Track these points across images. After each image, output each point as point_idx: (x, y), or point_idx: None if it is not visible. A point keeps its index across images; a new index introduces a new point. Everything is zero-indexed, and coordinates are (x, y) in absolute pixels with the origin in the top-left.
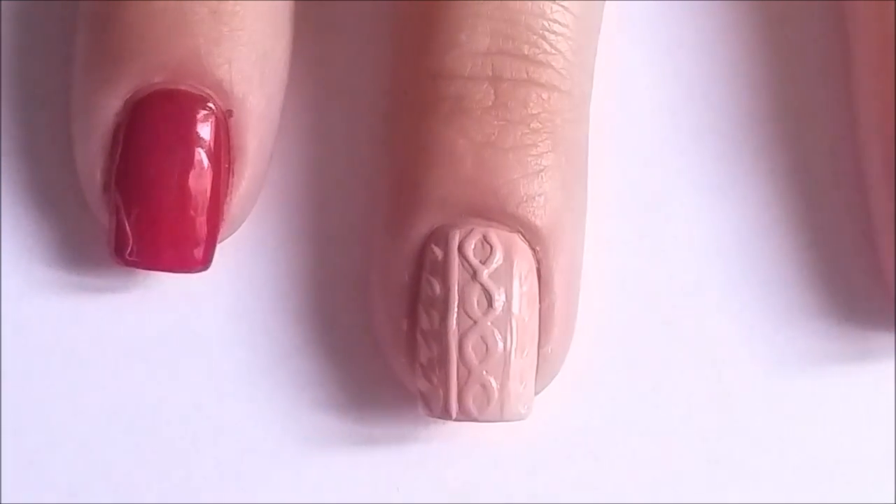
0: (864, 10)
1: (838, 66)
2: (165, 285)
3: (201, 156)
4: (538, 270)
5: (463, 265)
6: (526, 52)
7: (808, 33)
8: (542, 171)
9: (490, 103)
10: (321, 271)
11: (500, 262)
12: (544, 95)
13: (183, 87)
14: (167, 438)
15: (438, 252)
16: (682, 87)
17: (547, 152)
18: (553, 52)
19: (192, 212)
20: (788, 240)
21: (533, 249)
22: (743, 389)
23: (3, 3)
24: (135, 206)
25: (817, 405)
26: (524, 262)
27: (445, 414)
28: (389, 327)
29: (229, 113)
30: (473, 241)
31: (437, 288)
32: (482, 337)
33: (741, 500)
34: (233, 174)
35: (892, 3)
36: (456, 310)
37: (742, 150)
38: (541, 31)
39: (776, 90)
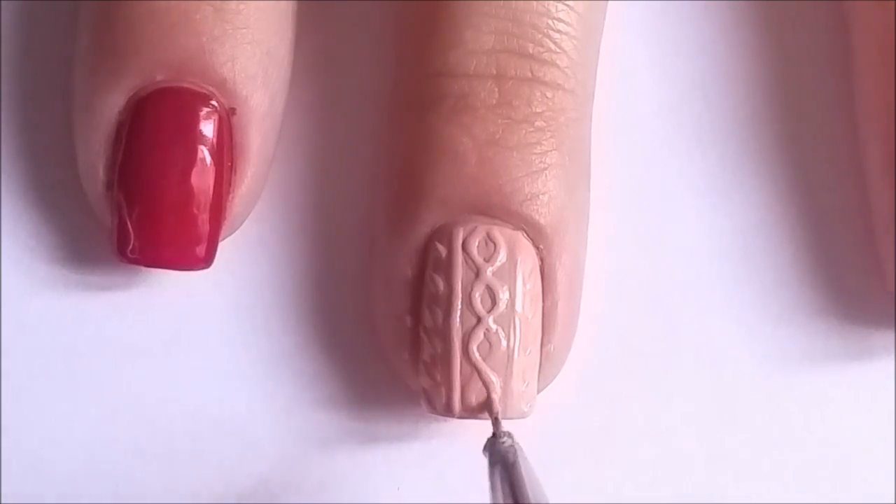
0: (865, 10)
1: (839, 66)
2: (167, 283)
3: (204, 153)
4: (541, 269)
5: (467, 262)
6: (530, 51)
7: (809, 33)
8: (545, 169)
9: (494, 101)
10: (323, 269)
11: (504, 259)
12: (548, 94)
13: (186, 85)
14: (167, 437)
15: (442, 249)
16: (683, 87)
17: (551, 151)
18: (557, 50)
19: (194, 209)
20: (788, 239)
21: (536, 248)
22: (743, 389)
23: (3, 2)
24: (137, 204)
25: (817, 404)
26: (528, 260)
27: (448, 411)
28: (392, 324)
29: (232, 111)
30: (477, 239)
31: (441, 285)
32: (486, 334)
33: (741, 499)
34: (235, 172)
35: (893, 2)
36: (460, 307)
37: (743, 149)
38: (545, 30)
39: (777, 90)
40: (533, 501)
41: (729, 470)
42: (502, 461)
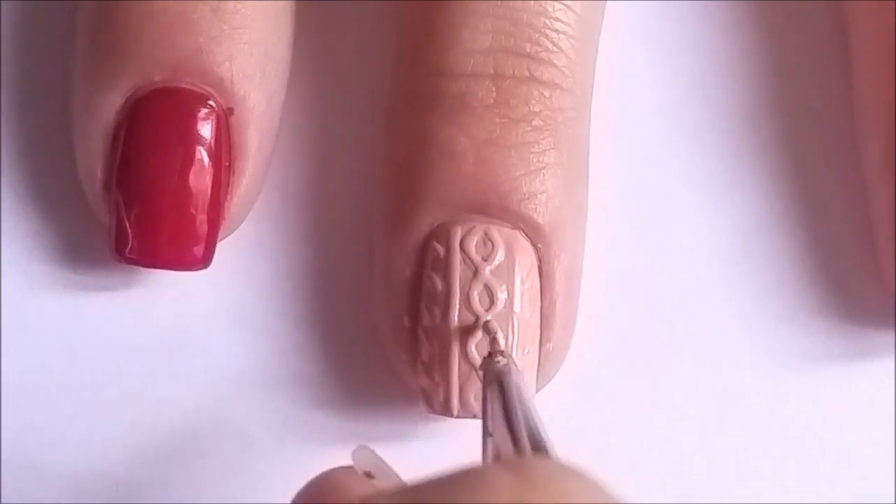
0: (864, 10)
1: (838, 65)
2: (165, 283)
3: (202, 154)
4: (539, 268)
5: (465, 262)
6: (528, 50)
7: (808, 33)
8: (543, 168)
9: (492, 101)
10: (322, 270)
11: (502, 258)
12: (546, 93)
13: (184, 85)
14: (167, 438)
15: (440, 249)
16: (682, 87)
17: (549, 150)
18: (555, 49)
19: (192, 210)
20: (788, 239)
21: (534, 247)
22: (743, 388)
23: (3, 2)
24: (135, 204)
25: (817, 404)
26: (526, 259)
27: (447, 411)
28: (390, 324)
29: (230, 111)
30: (475, 238)
31: (439, 284)
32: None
33: (741, 499)
34: (233, 172)
35: (892, 2)
36: (458, 306)
37: (742, 149)
38: (543, 29)
39: (776, 90)
40: (525, 420)
41: (729, 470)
42: (497, 381)
